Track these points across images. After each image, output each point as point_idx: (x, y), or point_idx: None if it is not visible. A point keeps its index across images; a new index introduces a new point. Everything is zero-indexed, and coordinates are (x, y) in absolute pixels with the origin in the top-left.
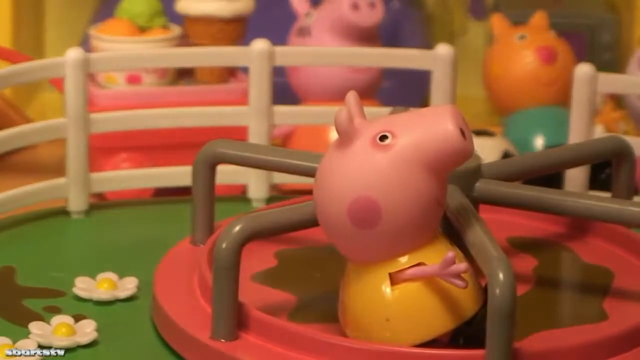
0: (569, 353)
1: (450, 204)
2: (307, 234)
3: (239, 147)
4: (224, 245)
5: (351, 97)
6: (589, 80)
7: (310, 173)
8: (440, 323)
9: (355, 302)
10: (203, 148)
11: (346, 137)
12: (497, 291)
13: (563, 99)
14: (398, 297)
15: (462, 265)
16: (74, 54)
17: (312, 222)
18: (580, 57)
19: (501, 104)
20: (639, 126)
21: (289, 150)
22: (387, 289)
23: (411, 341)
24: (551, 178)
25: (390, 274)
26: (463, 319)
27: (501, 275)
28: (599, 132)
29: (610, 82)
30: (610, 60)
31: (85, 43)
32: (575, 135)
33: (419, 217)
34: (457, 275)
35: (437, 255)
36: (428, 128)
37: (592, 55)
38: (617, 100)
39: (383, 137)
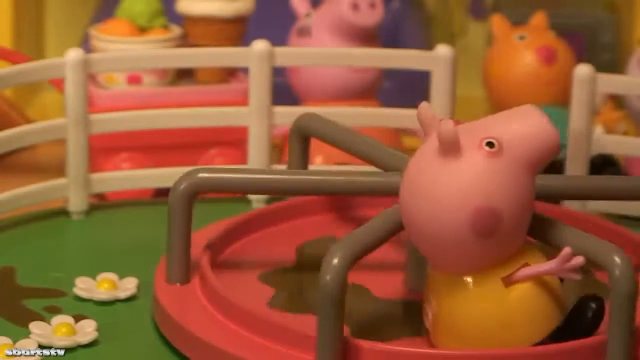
0: None
1: None
2: None
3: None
4: (328, 278)
5: (427, 106)
6: (589, 81)
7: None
8: (553, 318)
9: (466, 312)
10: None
11: (452, 147)
12: (617, 272)
13: (563, 99)
14: (518, 298)
15: (580, 259)
16: (74, 54)
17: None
18: (580, 58)
19: (501, 104)
20: (639, 126)
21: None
22: (507, 293)
23: (532, 341)
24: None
25: (502, 278)
26: (566, 312)
27: (617, 258)
28: (599, 132)
29: (610, 82)
30: (610, 61)
31: (85, 43)
32: (575, 135)
33: (527, 219)
34: (575, 269)
35: (527, 254)
36: (527, 128)
37: (591, 56)
38: (617, 101)
39: (490, 144)
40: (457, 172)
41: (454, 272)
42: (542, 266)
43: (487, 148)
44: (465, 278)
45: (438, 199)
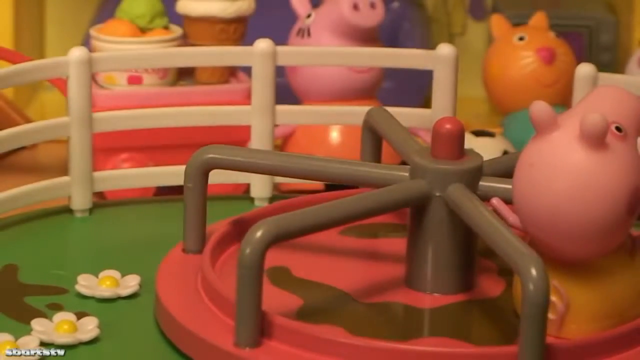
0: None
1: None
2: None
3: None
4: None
5: (544, 105)
6: (590, 81)
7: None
8: None
9: (622, 291)
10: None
11: (598, 139)
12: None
13: (563, 100)
14: None
15: None
16: (77, 53)
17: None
18: (579, 58)
19: (501, 105)
20: None
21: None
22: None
23: None
24: None
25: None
26: None
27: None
28: None
29: (611, 82)
30: (609, 61)
31: (86, 44)
32: None
33: None
34: None
35: None
36: (627, 104)
37: (591, 56)
38: None
39: (618, 129)
40: (611, 160)
41: (590, 256)
42: None
43: (618, 133)
44: (600, 260)
45: (594, 187)
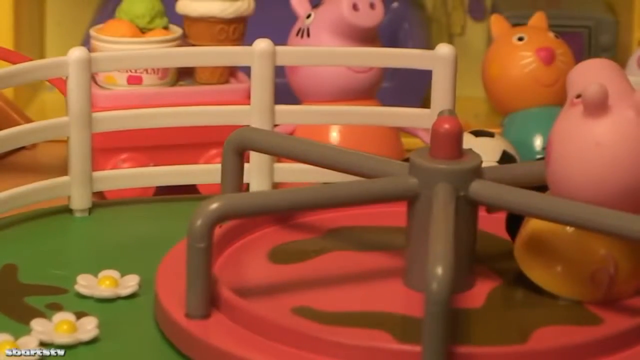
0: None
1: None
2: None
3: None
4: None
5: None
6: None
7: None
8: None
9: None
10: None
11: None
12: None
13: (562, 100)
14: None
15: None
16: (77, 53)
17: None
18: (579, 58)
19: (500, 105)
20: None
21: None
22: None
23: None
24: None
25: None
26: None
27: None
28: None
29: None
30: None
31: (86, 44)
32: None
33: None
34: None
35: None
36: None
37: (590, 56)
38: None
39: None
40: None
41: None
42: None
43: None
44: None
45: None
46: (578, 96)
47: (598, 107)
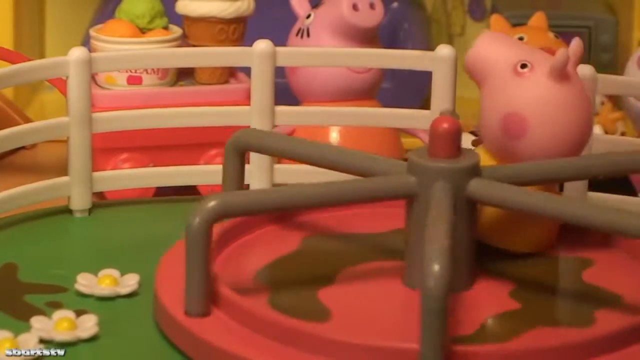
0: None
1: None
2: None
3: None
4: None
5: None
6: (590, 81)
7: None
8: None
9: None
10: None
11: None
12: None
13: None
14: None
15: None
16: (77, 53)
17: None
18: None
19: None
20: (637, 127)
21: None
22: None
23: None
24: None
25: None
26: None
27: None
28: (598, 132)
29: (611, 83)
30: (609, 61)
31: (86, 44)
32: None
33: None
34: None
35: None
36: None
37: (590, 56)
38: (615, 101)
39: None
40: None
41: None
42: None
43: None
44: None
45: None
46: (523, 66)
47: (564, 70)
